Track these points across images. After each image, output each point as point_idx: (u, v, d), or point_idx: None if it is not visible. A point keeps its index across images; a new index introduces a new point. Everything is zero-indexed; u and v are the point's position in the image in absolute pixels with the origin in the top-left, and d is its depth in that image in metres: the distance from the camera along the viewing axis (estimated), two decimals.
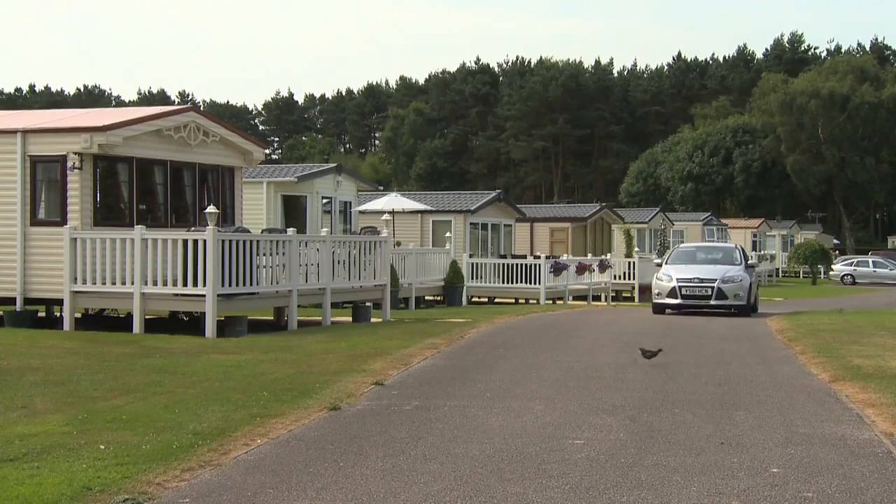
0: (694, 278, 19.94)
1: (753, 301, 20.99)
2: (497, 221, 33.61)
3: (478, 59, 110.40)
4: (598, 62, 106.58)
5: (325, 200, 26.92)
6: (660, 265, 21.94)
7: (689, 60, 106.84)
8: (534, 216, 39.40)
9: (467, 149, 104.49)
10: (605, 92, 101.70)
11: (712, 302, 19.66)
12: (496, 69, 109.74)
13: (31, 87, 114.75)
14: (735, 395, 8.95)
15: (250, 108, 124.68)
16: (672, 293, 19.86)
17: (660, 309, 20.08)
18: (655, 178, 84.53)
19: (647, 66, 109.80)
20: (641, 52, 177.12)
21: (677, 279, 19.94)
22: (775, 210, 75.16)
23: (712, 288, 19.70)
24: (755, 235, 58.72)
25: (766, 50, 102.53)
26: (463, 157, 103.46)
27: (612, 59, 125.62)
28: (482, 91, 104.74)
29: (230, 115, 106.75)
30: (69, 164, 15.15)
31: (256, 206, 24.87)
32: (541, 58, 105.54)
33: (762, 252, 56.14)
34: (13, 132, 15.63)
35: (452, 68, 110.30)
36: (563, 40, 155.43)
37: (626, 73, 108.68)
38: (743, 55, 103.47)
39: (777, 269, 57.29)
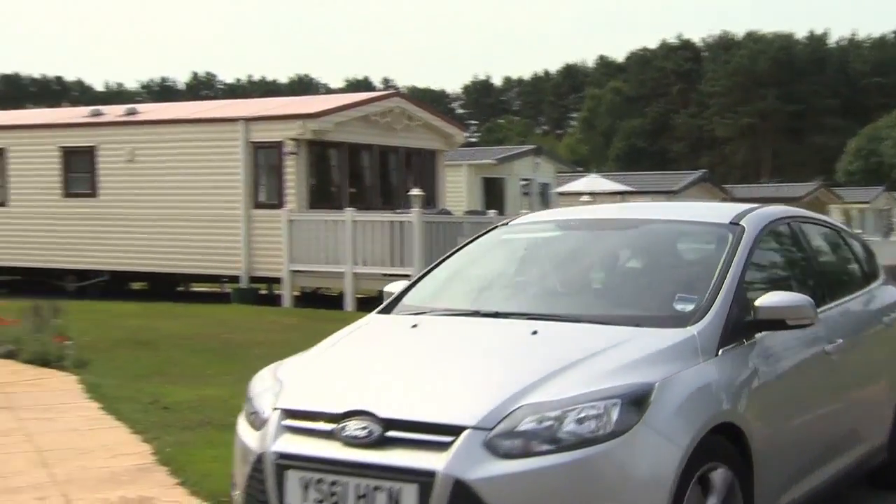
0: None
1: None
2: None
3: (679, 35, 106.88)
4: (811, 33, 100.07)
5: (523, 182, 26.97)
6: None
7: None
8: (741, 197, 37.61)
9: (668, 127, 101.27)
10: (820, 64, 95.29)
11: None
12: (699, 44, 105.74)
13: (249, 77, 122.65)
14: None
15: (448, 93, 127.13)
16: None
17: None
18: (879, 156, 78.35)
19: (868, 35, 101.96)
20: (862, 19, 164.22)
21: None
22: None
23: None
24: None
25: None
26: (663, 137, 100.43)
27: (827, 30, 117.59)
28: (684, 67, 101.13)
29: (429, 100, 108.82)
30: (286, 149, 15.97)
31: (457, 188, 25.32)
32: (748, 31, 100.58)
33: None
34: (236, 120, 16.64)
35: (653, 45, 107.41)
36: (772, 12, 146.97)
37: (844, 42, 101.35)
38: None
39: None
